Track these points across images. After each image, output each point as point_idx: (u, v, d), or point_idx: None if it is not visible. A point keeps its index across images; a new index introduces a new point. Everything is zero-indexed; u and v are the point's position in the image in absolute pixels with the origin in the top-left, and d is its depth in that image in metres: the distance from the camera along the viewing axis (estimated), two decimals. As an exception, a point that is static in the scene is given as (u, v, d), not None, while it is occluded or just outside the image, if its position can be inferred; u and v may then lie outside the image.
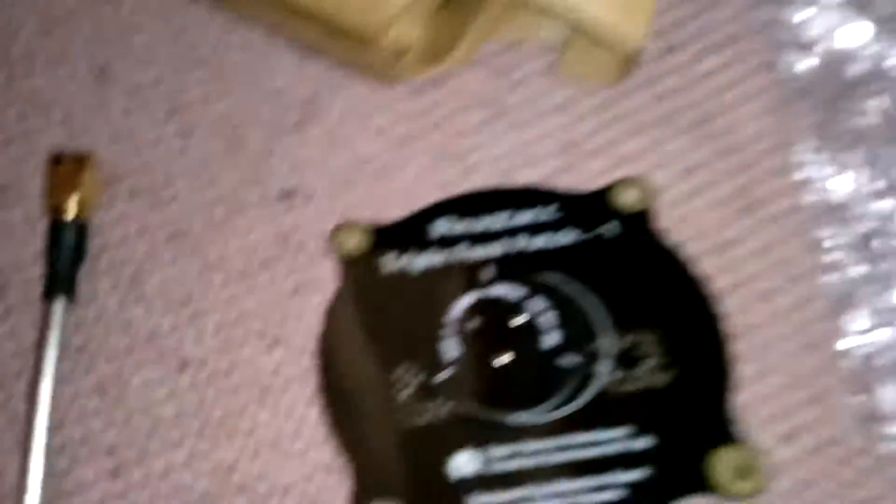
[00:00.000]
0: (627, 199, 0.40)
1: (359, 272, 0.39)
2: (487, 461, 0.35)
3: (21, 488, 0.36)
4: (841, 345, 0.38)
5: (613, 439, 0.35)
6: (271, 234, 0.40)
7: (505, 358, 0.37)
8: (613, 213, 0.39)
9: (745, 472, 0.35)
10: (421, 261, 0.39)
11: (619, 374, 0.36)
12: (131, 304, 0.39)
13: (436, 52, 0.41)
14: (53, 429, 0.37)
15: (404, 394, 0.36)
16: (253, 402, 0.38)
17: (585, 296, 0.38)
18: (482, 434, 0.36)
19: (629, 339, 0.37)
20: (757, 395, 0.37)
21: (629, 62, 0.40)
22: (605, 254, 0.39)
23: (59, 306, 0.38)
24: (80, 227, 0.39)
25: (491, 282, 0.38)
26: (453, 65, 0.41)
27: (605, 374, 0.36)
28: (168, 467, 0.37)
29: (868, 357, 0.38)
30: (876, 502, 0.37)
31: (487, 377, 0.37)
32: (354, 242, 0.39)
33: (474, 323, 0.37)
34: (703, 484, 0.35)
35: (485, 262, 0.39)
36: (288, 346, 0.39)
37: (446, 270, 0.39)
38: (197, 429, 0.38)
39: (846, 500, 0.37)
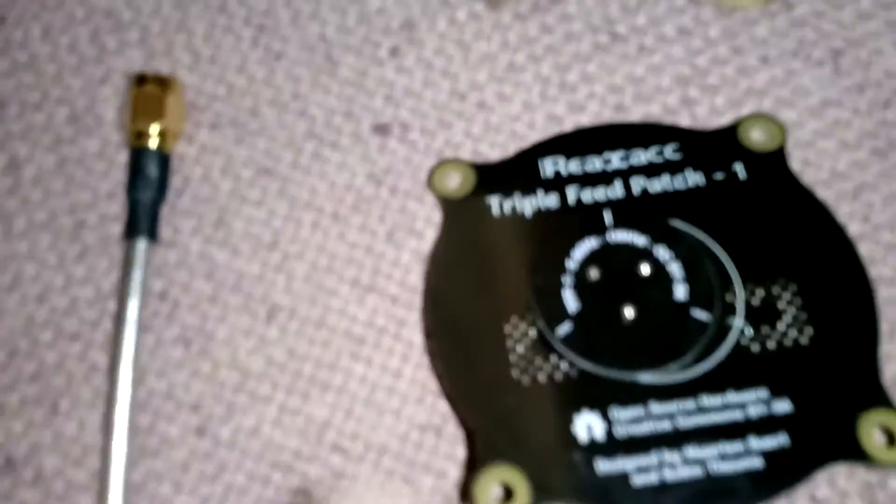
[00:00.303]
0: (757, 137, 0.36)
1: (464, 214, 0.35)
2: (613, 424, 0.32)
3: (106, 445, 0.33)
4: None
5: (749, 402, 0.32)
6: (364, 172, 0.37)
7: (630, 311, 0.33)
8: (741, 153, 0.36)
9: (894, 438, 0.32)
10: (532, 203, 0.35)
11: (754, 330, 0.33)
12: (215, 246, 0.36)
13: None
14: (134, 381, 0.34)
15: (520, 348, 0.33)
16: (346, 354, 0.35)
17: (713, 244, 0.34)
18: (607, 394, 0.32)
19: (763, 293, 0.33)
20: (891, 353, 0.34)
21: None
22: (732, 198, 0.35)
23: (140, 247, 0.35)
24: (164, 159, 0.36)
25: (610, 227, 0.35)
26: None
27: (738, 330, 0.33)
28: (257, 424, 0.34)
29: None
30: None
31: (612, 332, 0.33)
32: (457, 182, 0.36)
33: (595, 273, 0.34)
34: (850, 450, 0.32)
35: (602, 206, 0.35)
36: (382, 294, 0.36)
37: (561, 214, 0.35)
38: (287, 383, 0.35)
39: None
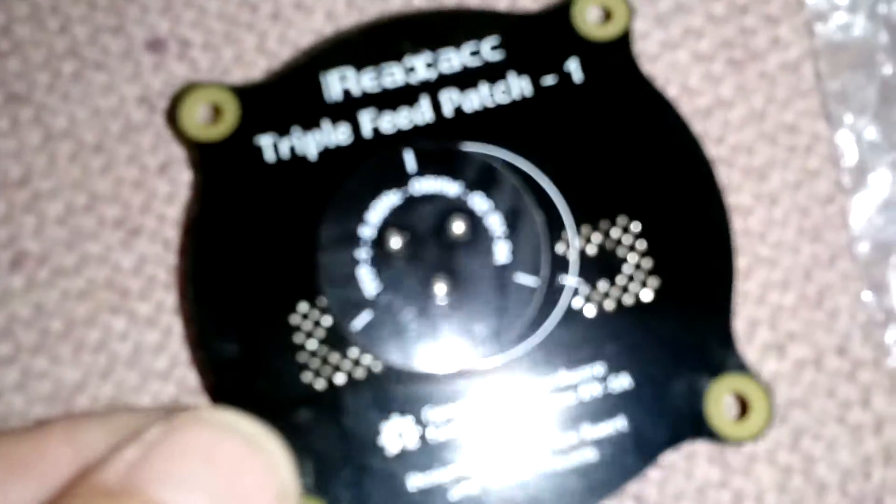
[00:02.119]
0: (594, 19, 0.28)
1: (227, 163, 0.27)
2: (427, 427, 0.25)
3: None
4: (849, 232, 0.29)
5: (583, 382, 0.26)
6: (135, 95, 0.30)
7: (442, 287, 0.26)
8: (576, 45, 0.28)
9: (747, 408, 0.26)
10: (316, 139, 0.27)
11: (589, 288, 0.26)
12: (-48, 183, 0.29)
13: None
14: None
15: (311, 344, 0.26)
16: (105, 308, 0.29)
17: (542, 178, 0.27)
18: (418, 393, 0.26)
19: (601, 238, 0.26)
20: (744, 294, 0.29)
21: None
22: (565, 111, 0.27)
23: None
24: None
25: (414, 175, 0.27)
26: None
27: (570, 290, 0.26)
28: (-6, 391, 0.28)
29: (881, 246, 0.28)
30: (884, 425, 0.28)
31: (421, 315, 0.26)
32: (211, 115, 0.27)
33: (397, 241, 0.26)
34: (697, 427, 0.26)
35: (405, 139, 0.27)
36: (153, 238, 0.29)
37: (354, 153, 0.27)
38: (33, 342, 0.28)
39: (847, 424, 0.28)
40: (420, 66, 0.28)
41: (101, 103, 0.30)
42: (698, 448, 0.28)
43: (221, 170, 0.27)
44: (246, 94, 0.27)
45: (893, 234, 0.29)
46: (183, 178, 0.29)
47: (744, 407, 0.26)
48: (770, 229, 0.29)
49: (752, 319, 0.29)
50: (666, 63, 0.30)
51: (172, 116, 0.29)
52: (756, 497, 0.28)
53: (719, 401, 0.26)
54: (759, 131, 0.30)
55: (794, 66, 0.30)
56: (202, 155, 0.27)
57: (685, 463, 0.28)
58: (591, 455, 0.25)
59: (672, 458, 0.28)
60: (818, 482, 0.28)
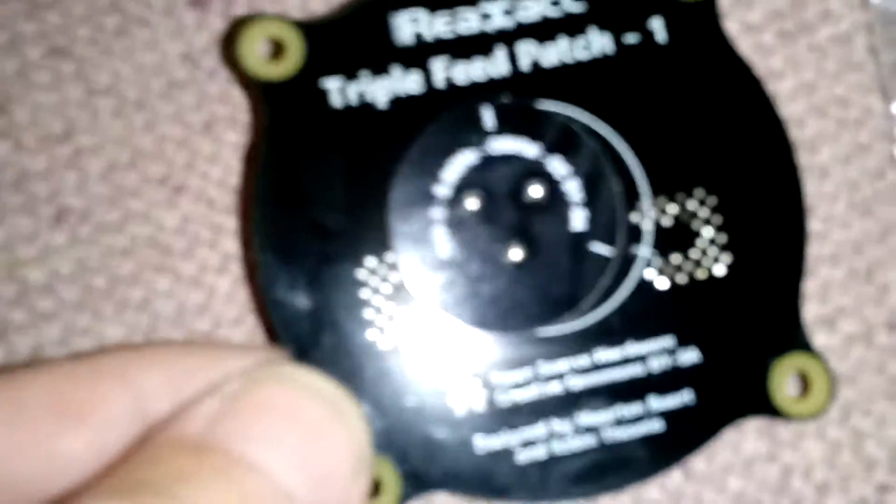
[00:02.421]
0: None
1: (292, 104, 0.26)
2: (495, 391, 0.25)
3: None
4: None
5: (652, 354, 0.26)
6: (177, 52, 0.30)
7: (517, 252, 0.26)
8: (661, 3, 0.27)
9: (809, 386, 0.26)
10: (385, 86, 0.26)
11: (662, 261, 0.26)
12: (-7, 137, 0.29)
13: None
14: None
15: (377, 300, 0.25)
16: (149, 266, 0.28)
17: (621, 144, 0.26)
18: (488, 357, 0.26)
19: (677, 210, 0.26)
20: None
21: None
22: (647, 74, 0.27)
23: None
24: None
25: (491, 133, 0.26)
26: None
27: (644, 261, 0.26)
28: (36, 345, 0.28)
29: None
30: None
31: (494, 279, 0.26)
32: (273, 52, 0.26)
33: (473, 202, 0.26)
34: (760, 404, 0.26)
35: (480, 93, 0.26)
36: (197, 197, 0.29)
37: (427, 104, 0.26)
38: (75, 299, 0.28)
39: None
40: (497, 13, 0.27)
41: (144, 59, 0.29)
42: (749, 422, 0.28)
43: (286, 112, 0.26)
44: (311, 31, 0.26)
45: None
46: (228, 137, 0.29)
47: (805, 385, 0.26)
48: (820, 203, 0.29)
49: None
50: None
51: (229, 55, 0.28)
52: (804, 472, 0.28)
53: (783, 378, 0.26)
54: (810, 104, 0.30)
55: (845, 39, 0.30)
56: (266, 95, 0.26)
57: (734, 436, 0.28)
58: (657, 426, 0.25)
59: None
60: (867, 458, 0.28)
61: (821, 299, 0.29)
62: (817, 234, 0.29)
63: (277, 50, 0.26)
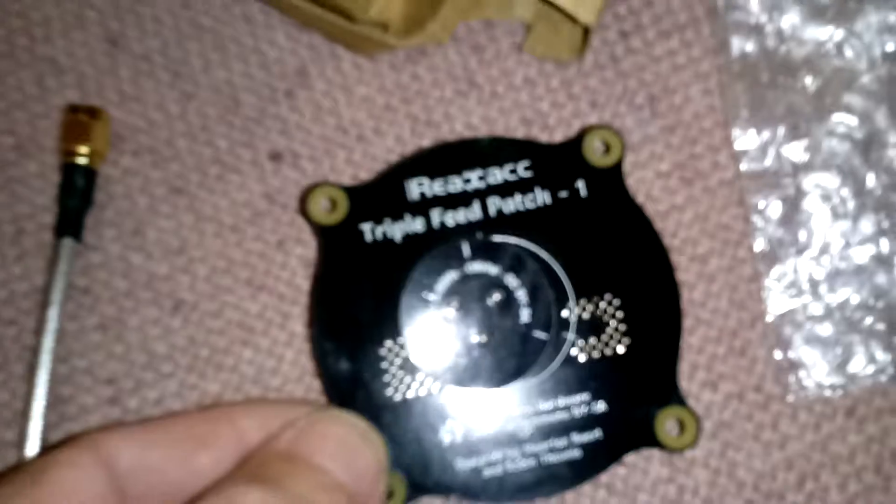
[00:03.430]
0: (599, 149, 0.38)
1: (339, 241, 0.37)
2: (469, 430, 0.36)
3: (26, 411, 0.37)
4: (764, 304, 0.39)
5: (574, 405, 0.36)
6: (260, 192, 0.40)
7: (483, 337, 0.36)
8: (584, 170, 0.38)
9: (684, 428, 0.36)
10: (401, 228, 0.37)
11: (583, 342, 0.36)
12: (132, 251, 0.40)
13: (414, 26, 0.41)
14: (60, 360, 0.38)
15: (393, 369, 0.36)
16: (238, 341, 0.39)
17: (554, 263, 0.37)
18: (464, 406, 0.36)
19: (592, 308, 0.36)
20: (689, 345, 0.39)
21: (584, 42, 0.40)
22: (573, 216, 0.37)
23: (67, 243, 0.38)
24: (90, 173, 0.39)
25: (468, 259, 0.37)
26: (431, 40, 0.41)
27: (570, 343, 0.36)
28: (160, 397, 0.38)
29: (786, 315, 0.38)
30: (787, 442, 0.38)
31: (468, 355, 0.36)
32: (330, 205, 0.37)
33: (455, 304, 0.36)
34: (648, 439, 0.35)
35: (461, 231, 0.37)
36: (271, 292, 0.39)
37: (426, 239, 0.37)
38: (187, 364, 0.39)
39: (760, 440, 0.38)
40: (474, 178, 0.38)
41: (236, 196, 0.40)
42: (654, 454, 0.38)
43: (336, 246, 0.37)
44: (353, 192, 0.37)
45: (795, 306, 0.39)
46: (295, 251, 0.40)
47: (681, 427, 0.36)
48: (708, 299, 0.39)
49: (694, 363, 0.39)
50: (636, 178, 0.40)
51: (303, 207, 0.38)
52: (693, 490, 0.38)
53: (665, 422, 0.36)
54: (702, 229, 0.40)
55: (728, 183, 0.40)
56: (323, 234, 0.37)
57: (644, 463, 0.38)
58: (577, 454, 0.36)
59: (634, 460, 0.38)
60: (738, 481, 0.38)
61: (707, 368, 0.39)
62: (705, 321, 0.39)
63: (332, 205, 0.37)
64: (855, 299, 0.38)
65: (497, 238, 0.37)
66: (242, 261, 0.40)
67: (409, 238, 0.37)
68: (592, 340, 0.36)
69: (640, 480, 0.38)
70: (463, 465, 0.35)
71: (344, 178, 0.40)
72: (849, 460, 0.38)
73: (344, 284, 0.37)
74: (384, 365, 0.36)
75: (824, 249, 0.39)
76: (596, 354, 0.36)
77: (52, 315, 0.37)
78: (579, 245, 0.37)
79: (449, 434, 0.36)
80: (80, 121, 0.39)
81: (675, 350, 0.36)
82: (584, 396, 0.36)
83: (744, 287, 0.39)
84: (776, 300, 0.39)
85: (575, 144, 0.38)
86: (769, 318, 0.39)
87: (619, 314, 0.36)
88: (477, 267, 0.37)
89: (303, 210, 0.39)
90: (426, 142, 0.41)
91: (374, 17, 0.40)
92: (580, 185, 0.38)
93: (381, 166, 0.41)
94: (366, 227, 0.37)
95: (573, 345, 0.36)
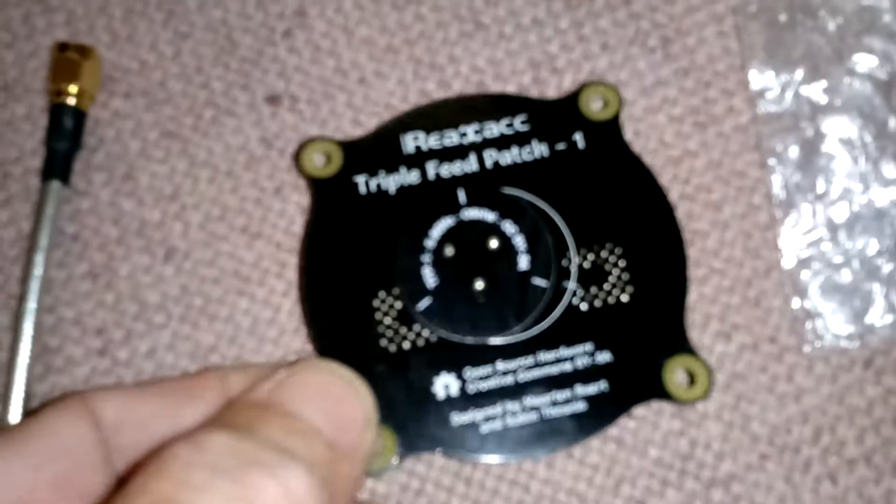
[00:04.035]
0: (596, 106, 0.37)
1: (333, 194, 0.36)
2: (466, 382, 0.34)
3: (11, 362, 0.35)
4: (780, 251, 0.37)
5: (577, 355, 0.34)
6: (256, 136, 0.38)
7: (481, 284, 0.34)
8: (581, 123, 0.37)
9: (694, 379, 0.34)
10: (395, 180, 0.36)
11: (584, 291, 0.35)
12: (123, 196, 0.38)
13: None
14: (47, 309, 0.36)
15: (387, 320, 0.34)
16: (233, 291, 0.37)
17: (554, 214, 0.35)
18: (461, 358, 0.34)
19: (594, 257, 0.35)
20: (702, 295, 0.37)
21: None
22: (571, 168, 0.36)
23: (54, 186, 0.36)
24: (79, 114, 0.37)
25: (464, 205, 0.35)
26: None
27: (571, 292, 0.35)
28: (152, 348, 0.36)
29: (803, 262, 0.36)
30: (802, 395, 0.36)
31: (465, 303, 0.34)
32: (324, 160, 0.36)
33: (450, 250, 0.35)
34: (657, 391, 0.34)
35: (457, 182, 0.36)
36: (268, 240, 0.37)
37: (421, 190, 0.36)
38: (180, 314, 0.37)
39: (775, 392, 0.36)
40: (470, 132, 0.36)
41: (232, 141, 0.38)
42: (665, 406, 0.36)
43: (329, 198, 0.36)
44: (347, 146, 0.36)
45: (812, 253, 0.37)
46: (292, 198, 0.38)
47: (692, 378, 0.34)
48: (722, 248, 0.37)
49: (707, 314, 0.37)
50: (648, 123, 0.38)
51: (297, 159, 0.37)
52: (705, 444, 0.36)
53: (673, 372, 0.34)
54: (716, 175, 0.38)
55: (743, 128, 0.38)
56: (316, 187, 0.36)
57: (654, 416, 0.36)
58: (581, 406, 0.34)
59: (644, 413, 0.36)
60: (752, 435, 0.36)
61: (720, 319, 0.37)
62: (719, 270, 0.37)
63: (327, 158, 0.36)
64: (874, 245, 0.36)
65: (494, 186, 0.36)
66: (238, 207, 0.38)
67: (404, 189, 0.36)
68: (594, 289, 0.35)
69: (650, 434, 0.36)
70: (459, 419, 0.34)
71: (344, 122, 0.38)
72: (866, 413, 0.36)
73: (336, 236, 0.35)
74: (377, 316, 0.34)
75: (843, 194, 0.37)
76: (598, 303, 0.35)
77: (38, 260, 0.35)
78: (578, 195, 0.36)
79: (444, 387, 0.34)
80: (70, 59, 0.37)
81: (682, 297, 0.35)
82: (588, 346, 0.34)
83: (759, 235, 0.37)
84: (792, 247, 0.37)
85: (572, 100, 0.37)
86: (785, 267, 0.37)
87: (622, 263, 0.35)
88: (473, 213, 0.35)
89: (297, 163, 0.37)
90: (430, 85, 0.39)
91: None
92: (578, 137, 0.37)
93: (382, 110, 0.39)
94: (360, 180, 0.36)
95: (574, 294, 0.35)
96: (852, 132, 0.37)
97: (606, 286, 0.35)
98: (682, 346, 0.34)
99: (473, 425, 0.33)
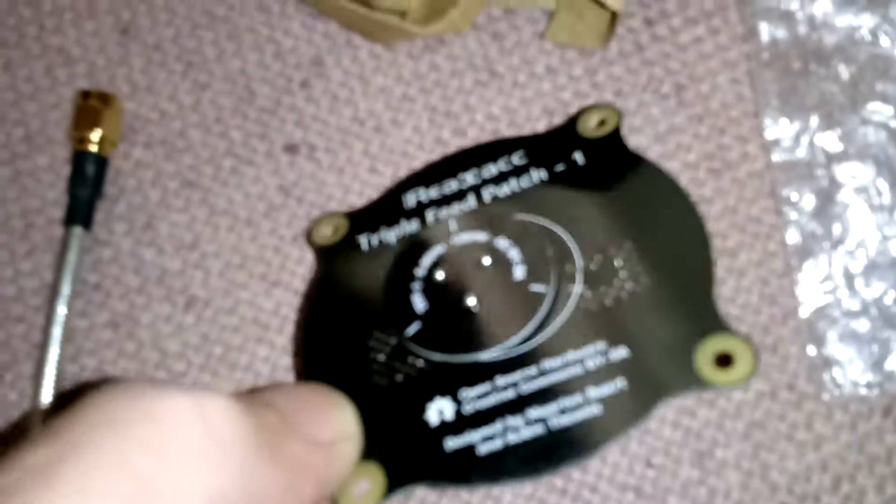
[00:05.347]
0: (593, 125, 0.35)
1: (337, 257, 0.35)
2: (462, 403, 0.30)
3: (34, 408, 0.34)
4: (797, 299, 0.36)
5: (587, 356, 0.30)
6: (275, 185, 0.38)
7: (472, 299, 0.32)
8: (580, 143, 0.35)
9: (732, 360, 0.28)
10: (396, 232, 0.35)
11: (592, 293, 0.31)
12: (144, 245, 0.37)
13: (434, 13, 0.38)
14: (69, 359, 0.35)
15: (381, 357, 0.32)
16: (252, 338, 0.36)
17: (556, 227, 0.33)
18: (456, 379, 0.31)
19: (601, 258, 0.32)
20: (725, 277, 0.36)
21: (610, 29, 0.37)
22: (572, 183, 0.34)
23: (76, 232, 0.36)
24: (101, 161, 0.37)
25: (454, 233, 0.34)
26: (450, 28, 0.38)
27: (577, 295, 0.31)
28: (173, 396, 0.35)
29: (820, 310, 0.35)
30: (822, 443, 0.35)
31: (457, 321, 0.32)
32: (330, 231, 0.36)
33: (440, 274, 0.33)
34: (688, 380, 0.28)
35: (452, 218, 0.34)
36: (286, 288, 0.37)
37: (419, 235, 0.34)
38: (200, 362, 0.36)
39: (794, 440, 0.35)
40: (469, 177, 0.35)
41: (251, 190, 0.38)
42: (684, 454, 0.35)
43: (333, 260, 0.35)
44: (353, 216, 0.36)
45: (829, 301, 0.36)
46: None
47: (727, 361, 0.28)
48: (738, 294, 0.36)
49: (723, 360, 0.36)
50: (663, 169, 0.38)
51: (309, 236, 0.36)
52: (725, 493, 0.35)
53: (708, 355, 0.28)
54: (732, 222, 0.37)
55: (758, 174, 0.37)
56: (321, 254, 0.35)
57: (673, 465, 0.35)
58: (596, 410, 0.29)
59: (663, 461, 0.35)
60: (771, 483, 0.35)
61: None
62: (735, 317, 0.36)
63: (334, 230, 0.36)
64: (892, 294, 0.35)
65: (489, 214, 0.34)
66: (257, 256, 0.37)
67: (404, 237, 0.35)
68: (603, 288, 0.31)
69: (669, 483, 0.35)
70: (453, 444, 0.30)
71: (361, 170, 0.38)
72: (886, 461, 0.35)
73: (338, 291, 0.35)
74: (371, 354, 0.32)
75: (860, 242, 0.36)
76: (609, 302, 0.31)
77: (61, 307, 0.35)
78: (580, 206, 0.33)
79: (437, 412, 0.31)
80: (92, 106, 0.37)
81: (709, 273, 0.31)
82: (600, 345, 0.30)
83: (775, 282, 0.36)
84: (809, 295, 0.36)
85: (570, 126, 0.36)
86: (802, 314, 0.36)
87: (634, 255, 0.32)
88: (465, 238, 0.34)
89: (308, 238, 0.37)
90: (445, 133, 0.38)
91: (391, 5, 0.37)
92: (577, 156, 0.35)
93: (399, 158, 0.38)
94: (363, 240, 0.35)
95: (582, 296, 0.31)
96: (867, 180, 0.36)
97: (617, 282, 0.31)
98: (715, 324, 0.29)
99: (470, 448, 0.30)
